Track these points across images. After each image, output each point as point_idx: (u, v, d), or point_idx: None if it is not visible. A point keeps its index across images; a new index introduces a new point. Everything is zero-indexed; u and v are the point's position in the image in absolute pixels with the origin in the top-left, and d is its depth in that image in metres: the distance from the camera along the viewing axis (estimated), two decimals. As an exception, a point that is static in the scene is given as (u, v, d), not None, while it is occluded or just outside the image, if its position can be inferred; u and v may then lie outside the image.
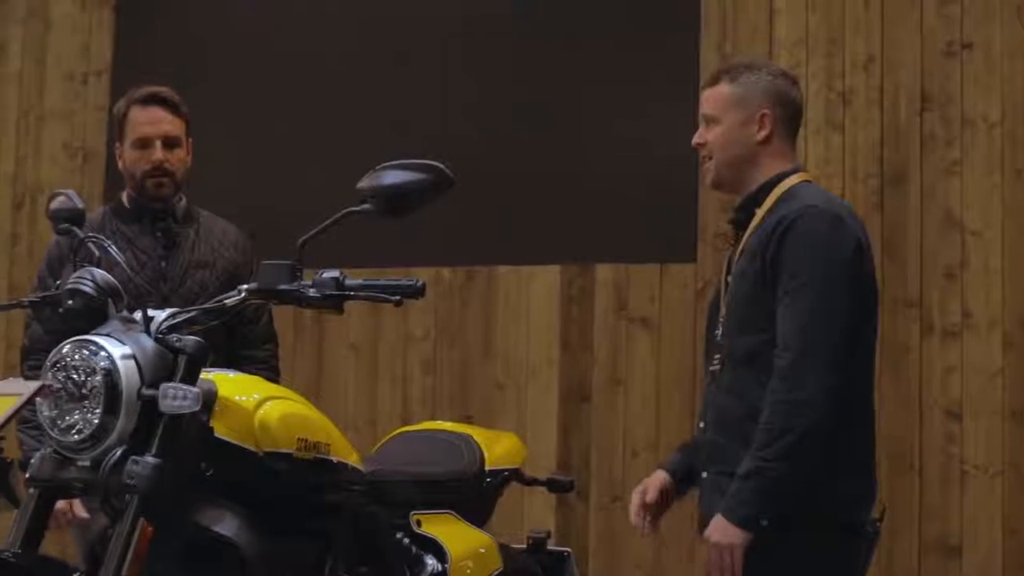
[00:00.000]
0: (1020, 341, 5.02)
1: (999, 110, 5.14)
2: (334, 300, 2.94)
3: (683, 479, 3.58)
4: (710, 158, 3.46)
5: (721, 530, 3.18)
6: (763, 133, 3.41)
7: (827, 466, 3.19)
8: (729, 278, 3.43)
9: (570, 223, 5.66)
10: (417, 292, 2.96)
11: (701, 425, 3.45)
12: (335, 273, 2.93)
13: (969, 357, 5.09)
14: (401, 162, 3.00)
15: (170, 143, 4.07)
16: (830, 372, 3.17)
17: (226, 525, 2.88)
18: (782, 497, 3.15)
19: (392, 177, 2.97)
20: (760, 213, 3.38)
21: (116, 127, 4.15)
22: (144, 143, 4.06)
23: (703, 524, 3.35)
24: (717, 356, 3.40)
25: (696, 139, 3.50)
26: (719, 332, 3.41)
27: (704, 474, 3.39)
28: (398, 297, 2.96)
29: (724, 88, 3.45)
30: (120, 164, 4.16)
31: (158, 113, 4.08)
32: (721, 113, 3.44)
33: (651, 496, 3.53)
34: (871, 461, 3.35)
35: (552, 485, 4.04)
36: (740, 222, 3.46)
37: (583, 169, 5.67)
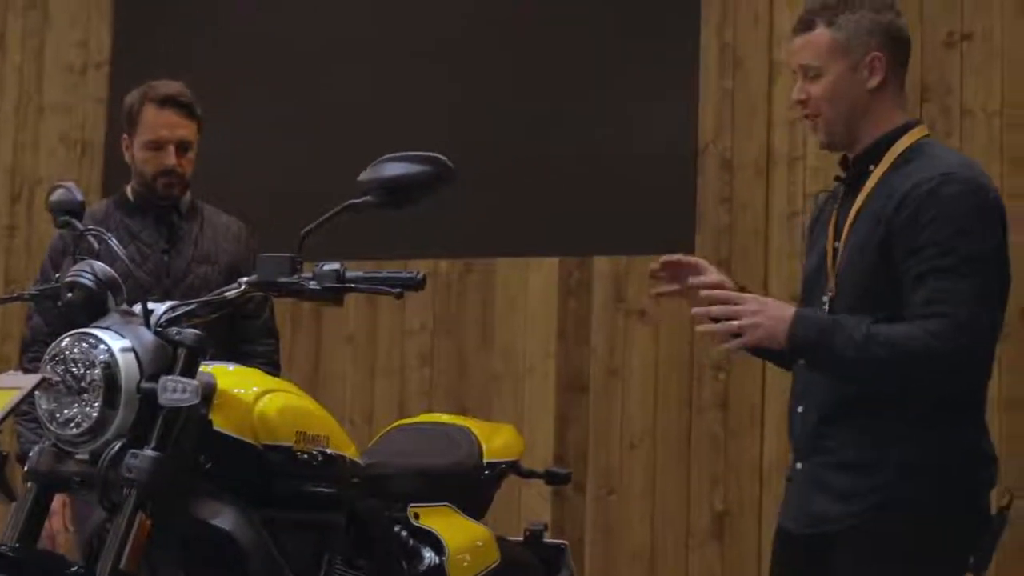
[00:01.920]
0: (1017, 332, 5.00)
1: (998, 100, 5.12)
2: (335, 292, 2.94)
3: None
4: (816, 115, 3.12)
5: (775, 317, 2.93)
6: (876, 79, 3.08)
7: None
8: (838, 244, 3.09)
9: (568, 215, 5.64)
10: (418, 285, 2.96)
11: (800, 410, 3.13)
12: (336, 266, 2.93)
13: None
14: (402, 154, 3.00)
15: (183, 147, 4.08)
16: (982, 361, 2.98)
17: (224, 518, 2.88)
18: (846, 369, 2.93)
19: (393, 169, 2.97)
20: (878, 173, 3.07)
21: (127, 119, 4.13)
22: (157, 145, 4.07)
23: (789, 522, 3.11)
24: None
25: (797, 95, 3.15)
26: (825, 306, 3.07)
27: (799, 465, 3.11)
28: (399, 289, 2.96)
29: (823, 33, 3.08)
30: (127, 156, 4.16)
31: (174, 117, 4.09)
32: (824, 62, 3.08)
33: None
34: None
35: (550, 477, 4.04)
36: (852, 182, 3.13)
37: (581, 161, 5.66)
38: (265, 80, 6.12)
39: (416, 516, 3.50)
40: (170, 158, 4.05)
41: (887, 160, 3.07)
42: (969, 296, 2.90)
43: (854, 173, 3.13)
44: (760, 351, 3.23)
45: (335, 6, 6.10)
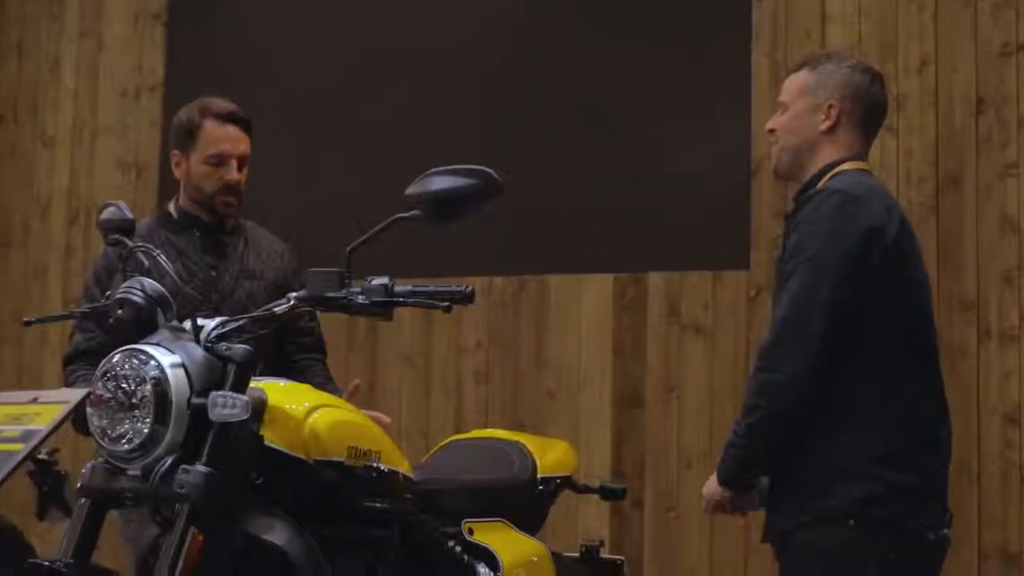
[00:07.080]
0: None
1: (1055, 109, 5.08)
2: (383, 307, 2.93)
3: None
4: (776, 144, 3.45)
5: (709, 485, 3.38)
6: (827, 123, 3.37)
7: (811, 458, 3.20)
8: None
9: (622, 231, 5.63)
10: (466, 298, 2.94)
11: None
12: (384, 280, 2.92)
13: (1028, 361, 5.03)
14: (450, 167, 2.98)
15: (242, 163, 4.07)
16: (807, 359, 3.14)
17: (276, 534, 2.87)
18: (751, 466, 3.30)
19: (440, 183, 2.95)
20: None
21: (183, 134, 4.09)
22: (220, 160, 4.02)
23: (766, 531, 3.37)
24: None
25: (768, 124, 3.50)
26: None
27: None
28: (447, 303, 2.94)
29: (803, 75, 3.43)
30: (179, 172, 4.11)
31: (236, 132, 4.05)
32: (792, 99, 3.42)
33: None
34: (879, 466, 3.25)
35: (604, 492, 4.01)
36: (794, 214, 3.38)
37: (635, 177, 5.65)
38: (313, 97, 6.15)
39: (470, 531, 3.48)
40: (232, 173, 4.03)
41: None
42: (796, 303, 3.17)
43: (795, 207, 3.36)
44: None
45: (384, 24, 6.13)
